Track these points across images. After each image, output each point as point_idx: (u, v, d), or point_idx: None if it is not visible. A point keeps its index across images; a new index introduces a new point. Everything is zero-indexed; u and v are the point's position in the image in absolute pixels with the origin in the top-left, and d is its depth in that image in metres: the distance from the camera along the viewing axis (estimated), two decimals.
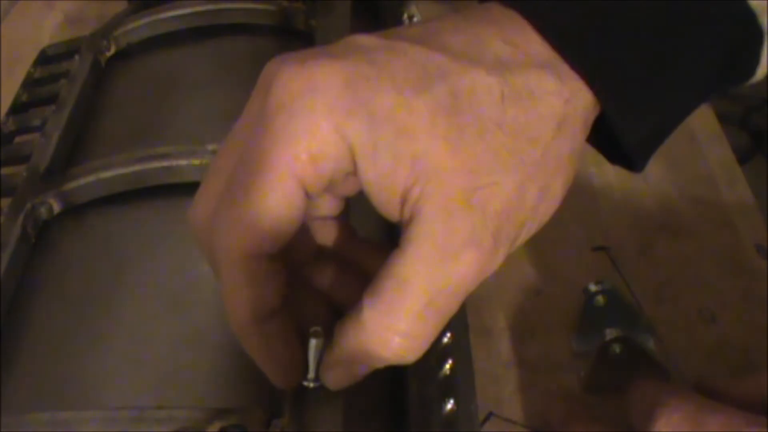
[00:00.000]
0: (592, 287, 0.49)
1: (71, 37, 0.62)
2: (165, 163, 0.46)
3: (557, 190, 0.29)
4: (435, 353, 0.39)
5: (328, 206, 0.32)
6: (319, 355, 0.33)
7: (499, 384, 0.46)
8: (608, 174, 0.58)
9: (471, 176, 0.27)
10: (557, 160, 0.29)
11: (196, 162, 0.45)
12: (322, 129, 0.27)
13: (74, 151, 0.51)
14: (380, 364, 0.29)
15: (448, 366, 0.38)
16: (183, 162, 0.45)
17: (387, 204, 0.28)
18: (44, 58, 0.61)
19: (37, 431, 0.34)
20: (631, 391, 0.38)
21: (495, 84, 0.27)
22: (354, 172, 0.28)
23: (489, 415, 0.44)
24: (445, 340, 0.39)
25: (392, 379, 0.39)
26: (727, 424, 0.33)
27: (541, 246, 0.53)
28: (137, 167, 0.46)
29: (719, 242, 0.54)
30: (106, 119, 0.54)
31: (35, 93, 0.58)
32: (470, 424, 0.37)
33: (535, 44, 0.29)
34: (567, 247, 0.53)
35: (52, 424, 0.34)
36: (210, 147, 0.46)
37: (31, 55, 0.61)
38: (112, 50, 0.58)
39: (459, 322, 0.40)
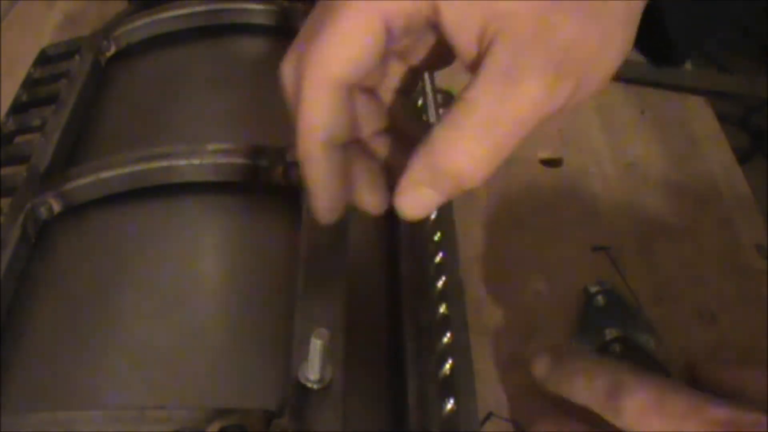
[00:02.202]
0: (592, 287, 0.49)
1: (71, 37, 0.62)
2: (165, 163, 0.46)
3: (617, 43, 0.31)
4: (435, 353, 0.39)
5: (401, 78, 0.35)
6: (323, 356, 0.33)
7: (499, 384, 0.46)
8: (608, 174, 0.58)
9: (541, 17, 0.29)
10: (616, 19, 0.30)
11: (196, 162, 0.45)
12: None
13: (74, 151, 0.51)
14: (449, 186, 0.31)
15: (448, 366, 0.38)
16: (183, 162, 0.45)
17: (465, 43, 0.30)
18: (44, 58, 0.61)
19: (37, 431, 0.34)
20: (579, 366, 0.38)
21: None
22: (430, 20, 0.30)
23: (489, 415, 0.44)
24: (445, 340, 0.39)
25: (392, 379, 0.39)
26: (688, 404, 0.33)
27: (541, 246, 0.53)
28: (137, 167, 0.46)
29: (719, 242, 0.54)
30: (106, 119, 0.54)
31: (35, 93, 0.58)
32: (470, 424, 0.37)
33: None
34: (567, 247, 0.53)
35: (52, 424, 0.34)
36: (210, 147, 0.46)
37: (31, 55, 0.61)
38: (112, 50, 0.58)
39: (459, 322, 0.41)
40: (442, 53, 0.33)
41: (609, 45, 0.30)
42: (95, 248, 0.45)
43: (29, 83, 0.59)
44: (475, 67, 0.30)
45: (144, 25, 0.58)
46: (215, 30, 0.57)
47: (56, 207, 0.46)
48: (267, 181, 0.45)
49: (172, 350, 0.39)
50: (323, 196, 0.34)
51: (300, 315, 0.37)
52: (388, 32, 0.31)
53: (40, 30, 0.74)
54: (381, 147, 0.35)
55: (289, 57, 0.33)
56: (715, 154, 0.61)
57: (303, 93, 0.32)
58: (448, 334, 0.39)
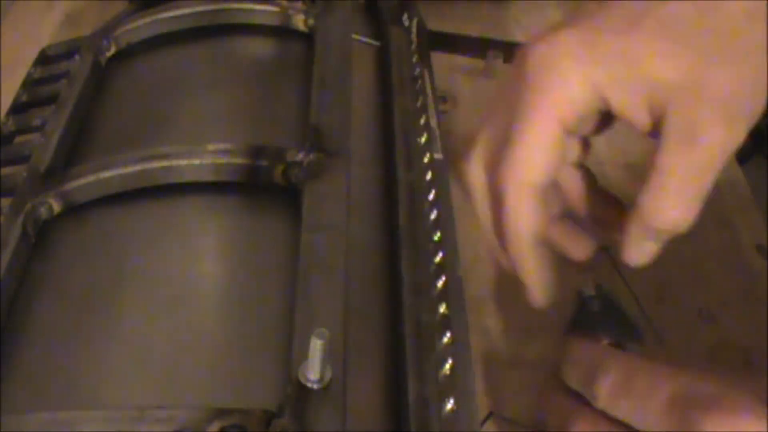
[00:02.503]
0: (587, 291, 0.49)
1: (71, 37, 0.62)
2: (165, 163, 0.46)
3: (765, 76, 0.34)
4: (435, 353, 0.39)
5: (574, 152, 0.39)
6: (323, 356, 0.33)
7: (499, 384, 0.46)
8: (608, 174, 0.58)
9: (696, 74, 0.33)
10: (759, 50, 0.34)
11: (196, 162, 0.45)
12: (572, 77, 0.34)
13: (74, 151, 0.51)
14: (664, 236, 0.36)
15: (448, 366, 0.38)
16: (183, 162, 0.45)
17: (640, 119, 0.35)
18: (44, 58, 0.61)
19: (37, 431, 0.34)
20: (569, 350, 0.39)
21: (689, 5, 0.34)
22: (600, 108, 0.35)
23: (489, 415, 0.44)
24: (445, 340, 0.39)
25: (392, 379, 0.39)
26: (649, 382, 0.35)
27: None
28: (137, 167, 0.46)
29: (719, 242, 0.54)
30: (106, 119, 0.54)
31: (35, 93, 0.58)
32: (470, 424, 0.37)
33: None
34: None
35: (52, 424, 0.34)
36: (210, 147, 0.46)
37: (31, 55, 0.61)
38: (112, 50, 0.58)
39: (459, 322, 0.41)
40: (607, 120, 0.37)
41: (759, 77, 0.34)
42: (95, 248, 0.45)
43: (29, 83, 0.59)
44: (653, 131, 0.34)
45: (144, 25, 0.58)
46: (215, 30, 0.57)
47: (56, 207, 0.46)
48: (267, 181, 0.45)
49: (172, 350, 0.39)
50: (538, 285, 0.39)
51: (300, 315, 0.37)
52: (568, 130, 0.35)
53: (40, 30, 0.74)
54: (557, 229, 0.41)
55: (478, 153, 0.38)
56: None
57: (509, 202, 0.36)
58: (448, 334, 0.39)
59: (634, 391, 0.35)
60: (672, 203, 0.34)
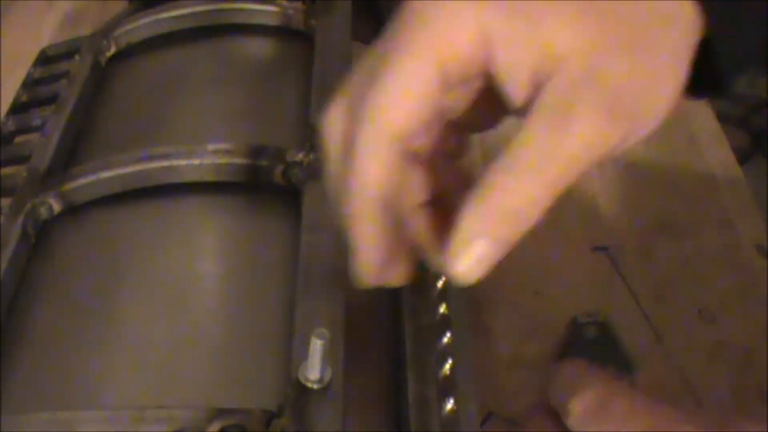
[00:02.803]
0: (582, 318, 0.46)
1: (71, 37, 0.62)
2: (165, 163, 0.46)
3: (669, 82, 0.30)
4: (435, 353, 0.39)
5: (445, 140, 0.33)
6: (323, 356, 0.33)
7: (499, 384, 0.46)
8: (608, 174, 0.58)
9: (593, 55, 0.29)
10: (670, 56, 0.30)
11: (196, 162, 0.45)
12: (463, 16, 0.29)
13: (74, 151, 0.51)
14: (503, 232, 0.30)
15: (448, 366, 0.38)
16: (183, 162, 0.45)
17: (517, 87, 0.30)
18: (44, 58, 0.61)
19: (37, 431, 0.34)
20: (558, 372, 0.37)
21: None
22: (480, 70, 0.30)
23: (489, 415, 0.44)
24: (445, 339, 0.39)
25: (392, 379, 0.39)
26: (629, 406, 0.33)
27: (541, 246, 0.53)
28: (137, 167, 0.46)
29: (719, 242, 0.54)
30: (106, 119, 0.54)
31: (35, 93, 0.58)
32: (470, 424, 0.37)
33: None
34: (567, 247, 0.53)
35: (52, 424, 0.34)
36: (210, 147, 0.46)
37: (31, 55, 0.61)
38: (112, 50, 0.58)
39: (459, 322, 0.41)
40: (488, 110, 0.33)
41: (661, 85, 0.30)
42: (95, 248, 0.45)
43: (29, 83, 0.59)
44: (524, 111, 0.30)
45: (144, 25, 0.58)
46: (215, 30, 0.57)
47: (56, 207, 0.46)
48: (267, 181, 0.45)
49: (172, 350, 0.39)
50: (368, 258, 0.32)
51: (300, 315, 0.37)
52: (445, 81, 0.30)
53: (40, 30, 0.74)
54: (418, 221, 0.34)
55: (339, 102, 0.32)
56: (715, 153, 0.61)
57: (359, 147, 0.30)
58: (448, 334, 0.39)
59: (610, 415, 0.33)
60: (520, 187, 0.29)
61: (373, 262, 0.32)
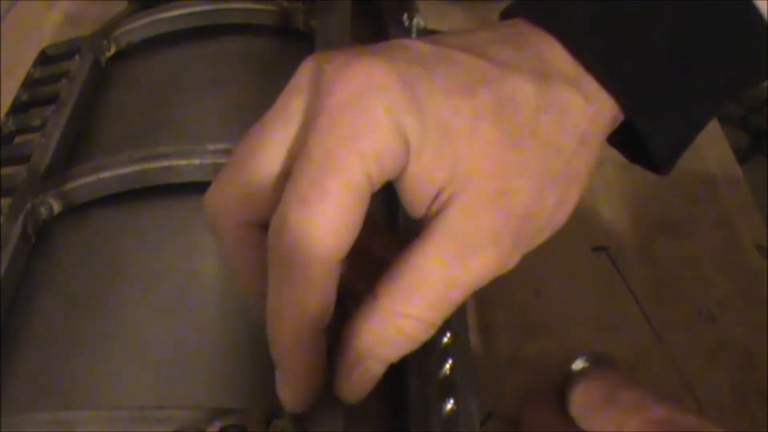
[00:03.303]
0: (578, 363, 0.39)
1: (71, 37, 0.62)
2: (165, 163, 0.46)
3: (572, 200, 0.31)
4: (435, 353, 0.39)
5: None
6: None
7: (499, 384, 0.46)
8: (608, 174, 0.58)
9: (502, 179, 0.28)
10: (577, 172, 0.30)
11: (196, 162, 0.45)
12: (386, 128, 0.28)
13: (74, 151, 0.51)
14: (393, 353, 0.30)
15: (448, 366, 0.38)
16: (183, 162, 0.45)
17: (418, 200, 0.29)
18: (44, 58, 0.61)
19: (37, 431, 0.34)
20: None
21: (532, 93, 0.29)
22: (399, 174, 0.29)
23: (489, 415, 0.44)
24: (445, 340, 0.39)
25: (392, 379, 0.39)
26: (638, 399, 0.33)
27: (541, 246, 0.53)
28: (137, 167, 0.46)
29: (719, 242, 0.54)
30: (106, 119, 0.54)
31: (35, 93, 0.58)
32: (470, 424, 0.37)
33: (563, 61, 0.30)
34: (567, 247, 0.53)
35: (52, 424, 0.34)
36: (210, 147, 0.46)
37: (31, 55, 0.61)
38: (112, 50, 0.58)
39: (459, 322, 0.41)
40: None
41: (564, 208, 0.31)
42: (95, 248, 0.45)
43: (29, 83, 0.59)
44: (417, 219, 0.29)
45: (144, 25, 0.58)
46: (215, 30, 0.57)
47: (56, 207, 0.46)
48: None
49: (172, 350, 0.39)
50: (304, 385, 0.30)
51: None
52: (372, 190, 0.28)
53: (40, 30, 0.74)
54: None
55: (228, 190, 0.31)
56: (715, 154, 0.61)
57: (295, 274, 0.28)
58: (448, 334, 0.39)
59: (618, 404, 0.33)
60: (418, 313, 0.28)
61: (307, 387, 0.30)
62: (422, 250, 0.28)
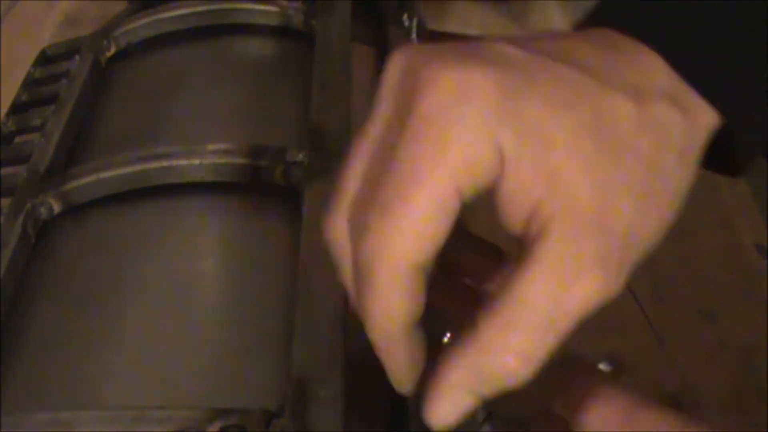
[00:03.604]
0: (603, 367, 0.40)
1: (71, 37, 0.62)
2: (165, 163, 0.46)
3: (671, 217, 0.30)
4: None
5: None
6: None
7: None
8: None
9: (604, 198, 0.27)
10: (676, 189, 0.29)
11: (196, 162, 0.45)
12: (479, 138, 0.27)
13: (74, 151, 0.51)
14: (489, 390, 0.28)
15: None
16: (183, 162, 0.45)
17: (515, 214, 0.27)
18: (44, 58, 0.61)
19: (37, 431, 0.34)
20: (564, 380, 0.33)
21: (633, 110, 0.28)
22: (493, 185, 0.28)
23: (489, 415, 0.44)
24: (445, 340, 0.39)
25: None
26: (661, 421, 0.31)
27: None
28: (137, 167, 0.46)
29: (719, 242, 0.54)
30: (106, 119, 0.54)
31: (35, 93, 0.58)
32: (470, 424, 0.37)
33: (660, 73, 0.29)
34: None
35: (52, 424, 0.34)
36: (210, 147, 0.46)
37: (31, 55, 0.61)
38: (112, 50, 0.58)
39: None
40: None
41: (664, 225, 0.29)
42: (95, 248, 0.45)
43: (29, 83, 0.59)
44: (521, 244, 0.27)
45: (144, 25, 0.58)
46: (215, 30, 0.57)
47: (56, 207, 0.46)
48: (267, 181, 0.45)
49: (172, 350, 0.39)
50: (406, 374, 0.31)
51: (300, 315, 0.37)
52: (461, 202, 0.27)
53: (40, 30, 0.74)
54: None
55: (339, 210, 0.29)
56: None
57: (379, 284, 0.28)
58: (448, 335, 0.39)
59: (638, 424, 0.31)
60: (518, 347, 0.27)
61: (411, 375, 0.31)
62: (525, 277, 0.27)
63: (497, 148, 0.27)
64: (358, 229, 0.28)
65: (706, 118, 0.30)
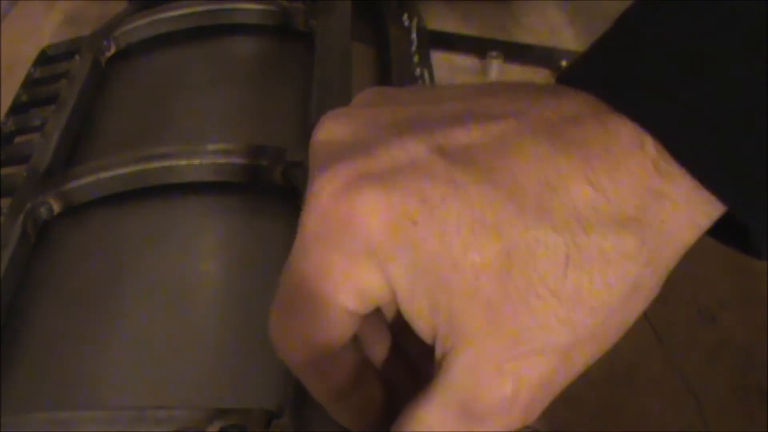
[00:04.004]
0: None
1: (71, 37, 0.62)
2: (165, 163, 0.46)
3: (609, 347, 0.26)
4: None
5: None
6: None
7: None
8: None
9: (508, 345, 0.24)
10: (619, 326, 0.26)
11: (196, 162, 0.45)
12: (363, 269, 0.25)
13: (74, 151, 0.51)
14: None
15: None
16: (183, 162, 0.45)
17: (422, 332, 0.26)
18: (44, 58, 0.61)
19: (37, 431, 0.34)
20: None
21: (561, 245, 0.24)
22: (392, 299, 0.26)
23: None
24: None
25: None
26: None
27: None
28: (137, 167, 0.46)
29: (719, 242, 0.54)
30: (106, 119, 0.54)
31: (35, 93, 0.58)
32: None
33: (645, 162, 0.24)
34: None
35: (52, 424, 0.34)
36: (210, 147, 0.46)
37: (31, 55, 0.61)
38: (112, 50, 0.58)
39: None
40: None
41: (597, 355, 0.26)
42: (95, 248, 0.45)
43: (29, 83, 0.59)
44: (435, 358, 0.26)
45: (144, 25, 0.58)
46: (215, 30, 0.57)
47: (56, 207, 0.46)
48: (267, 181, 0.45)
49: (172, 350, 0.39)
50: (332, 406, 0.29)
51: None
52: (357, 313, 0.26)
53: (40, 30, 0.74)
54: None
55: (274, 318, 0.29)
56: None
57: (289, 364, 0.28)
58: None
59: None
60: None
61: (369, 425, 0.29)
62: (428, 406, 0.26)
63: (386, 279, 0.25)
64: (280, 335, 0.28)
65: (702, 208, 0.25)
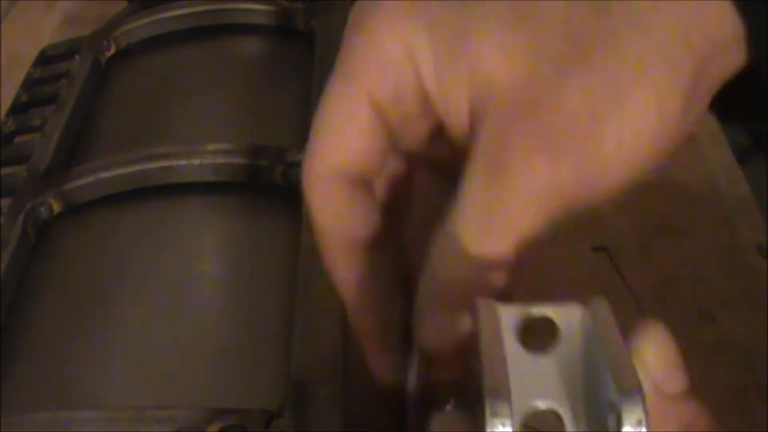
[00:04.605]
0: None
1: (71, 37, 0.62)
2: (165, 163, 0.46)
3: (639, 106, 0.24)
4: None
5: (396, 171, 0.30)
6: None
7: None
8: None
9: (530, 89, 0.24)
10: (637, 66, 0.24)
11: (196, 162, 0.45)
12: (384, 36, 0.26)
13: (74, 151, 0.51)
14: (458, 289, 0.26)
15: None
16: (183, 162, 0.45)
17: (454, 118, 0.26)
18: (44, 58, 0.61)
19: (37, 431, 0.34)
20: None
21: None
22: (418, 91, 0.26)
23: None
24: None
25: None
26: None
27: (541, 246, 0.53)
28: (137, 167, 0.46)
29: (719, 242, 0.54)
30: (106, 119, 0.54)
31: (35, 93, 0.58)
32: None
33: None
34: (567, 247, 0.53)
35: (52, 424, 0.34)
36: (210, 147, 0.46)
37: (31, 55, 0.61)
38: (112, 50, 0.58)
39: None
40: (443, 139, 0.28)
41: (624, 110, 0.24)
42: (95, 248, 0.45)
43: (29, 83, 0.59)
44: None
45: (144, 25, 0.58)
46: (215, 30, 0.57)
47: (56, 207, 0.46)
48: (267, 181, 0.45)
49: (172, 350, 0.39)
50: (367, 324, 0.29)
51: (300, 315, 0.37)
52: (382, 112, 0.27)
53: (40, 30, 0.74)
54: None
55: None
56: (715, 154, 0.61)
57: (308, 196, 0.28)
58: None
59: None
60: (479, 234, 0.25)
61: (373, 325, 0.29)
62: (465, 175, 0.25)
63: (407, 45, 0.25)
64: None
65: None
